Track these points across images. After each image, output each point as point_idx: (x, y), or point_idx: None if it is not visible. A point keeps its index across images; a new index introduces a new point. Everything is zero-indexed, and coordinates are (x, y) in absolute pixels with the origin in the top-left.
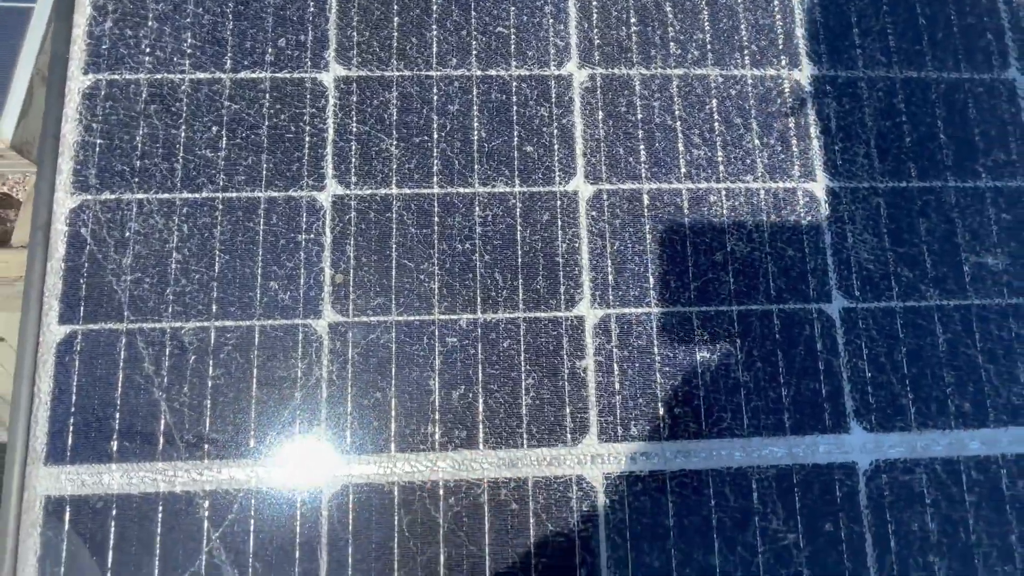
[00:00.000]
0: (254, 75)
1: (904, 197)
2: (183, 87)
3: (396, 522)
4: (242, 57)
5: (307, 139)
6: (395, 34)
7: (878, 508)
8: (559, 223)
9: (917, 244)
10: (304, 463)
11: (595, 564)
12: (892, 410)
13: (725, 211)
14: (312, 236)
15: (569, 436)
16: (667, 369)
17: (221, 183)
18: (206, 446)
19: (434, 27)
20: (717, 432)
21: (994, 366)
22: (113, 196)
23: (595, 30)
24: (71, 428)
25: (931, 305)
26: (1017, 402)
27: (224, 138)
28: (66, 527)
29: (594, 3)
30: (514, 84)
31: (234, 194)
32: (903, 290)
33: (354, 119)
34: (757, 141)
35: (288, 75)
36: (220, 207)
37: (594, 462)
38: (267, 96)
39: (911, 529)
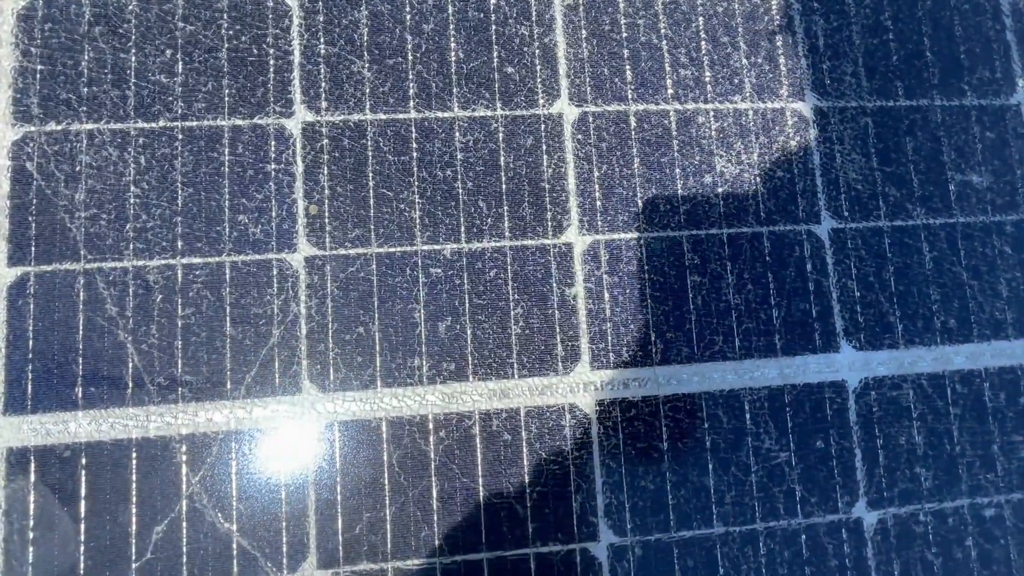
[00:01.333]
0: None
1: (892, 116)
2: (130, 7)
3: (385, 458)
4: None
5: (271, 62)
6: None
7: (867, 424)
8: (544, 147)
9: (904, 163)
10: (285, 402)
11: (590, 489)
12: (880, 328)
13: (713, 132)
14: (282, 166)
15: (560, 365)
16: (658, 294)
17: (179, 111)
18: (180, 389)
19: None
20: (709, 355)
21: (978, 282)
22: (60, 127)
23: None
24: (30, 375)
25: (918, 224)
26: (999, 316)
27: (180, 62)
28: (32, 479)
29: None
30: (492, 1)
31: (194, 123)
32: (890, 209)
33: (322, 40)
34: (745, 60)
35: None
36: (180, 137)
37: (586, 389)
38: (225, 16)
39: (898, 443)
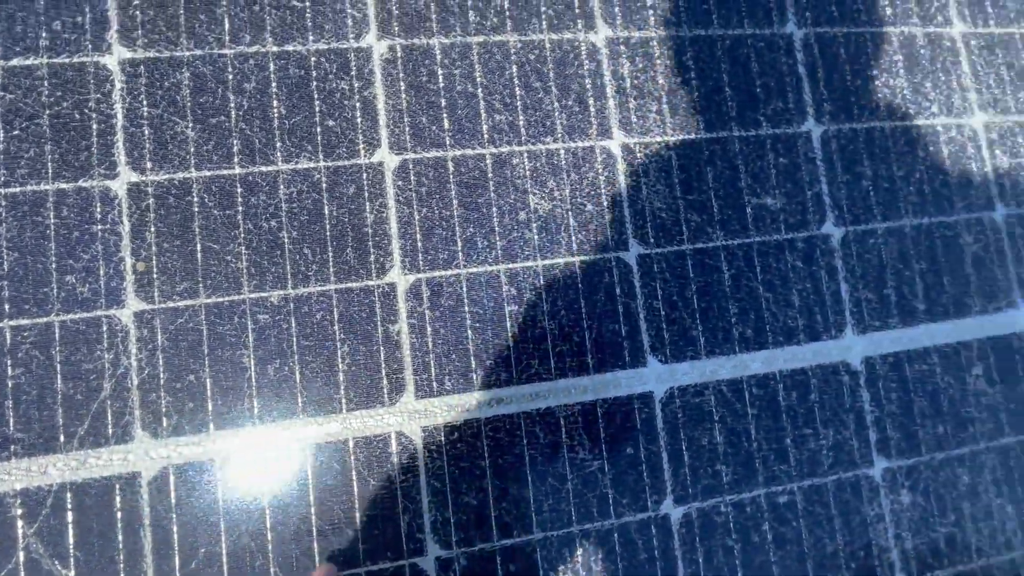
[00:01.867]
0: (28, 62)
1: (693, 148)
2: None
3: (220, 495)
4: (13, 43)
5: (94, 126)
6: (182, 12)
7: (672, 429)
8: (366, 194)
9: (705, 191)
10: (119, 451)
11: (417, 509)
12: (684, 342)
13: (527, 172)
14: (108, 226)
15: (387, 397)
16: (477, 325)
17: (1, 178)
18: (12, 446)
19: (224, 3)
20: (526, 378)
21: (772, 294)
22: None
23: (393, 1)
24: None
25: (718, 245)
26: (792, 324)
27: (0, 131)
28: None
29: None
30: (312, 59)
31: (17, 189)
32: (692, 234)
33: (144, 103)
34: (556, 103)
35: (67, 60)
36: (3, 203)
37: (412, 418)
38: (45, 83)
39: (701, 444)
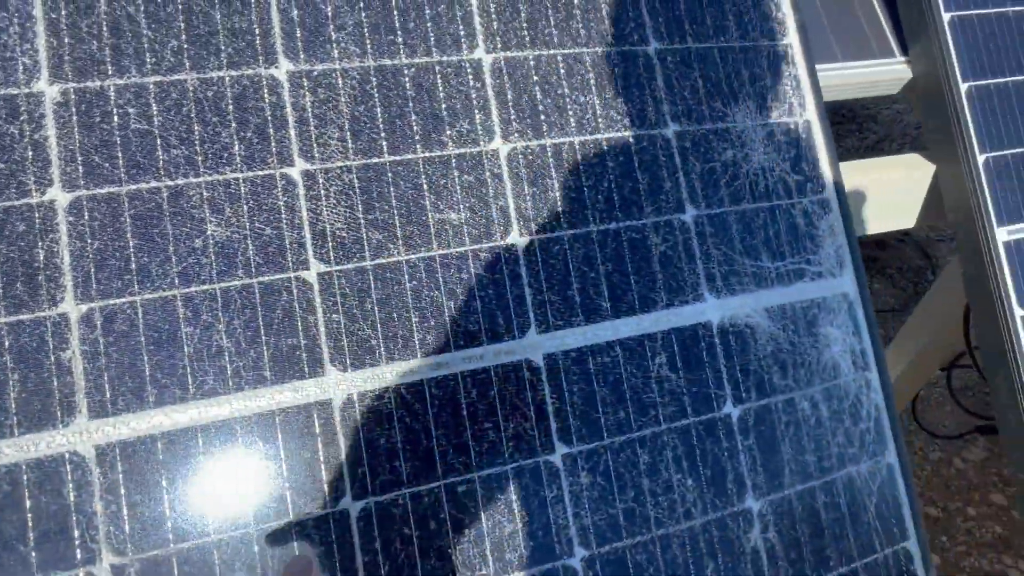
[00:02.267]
0: None
1: (376, 171)
2: None
3: None
4: None
5: None
6: None
7: (352, 433)
8: (37, 231)
9: (387, 210)
10: None
11: (91, 522)
12: (363, 351)
13: (204, 202)
14: None
15: (60, 419)
16: (152, 347)
17: None
18: None
19: None
20: (202, 394)
21: (454, 302)
22: None
23: (65, 47)
24: None
25: (400, 260)
26: (473, 328)
27: None
28: None
29: (63, 20)
30: None
31: None
32: (374, 251)
33: None
34: (235, 136)
35: None
36: None
37: (84, 437)
38: None
39: (379, 443)
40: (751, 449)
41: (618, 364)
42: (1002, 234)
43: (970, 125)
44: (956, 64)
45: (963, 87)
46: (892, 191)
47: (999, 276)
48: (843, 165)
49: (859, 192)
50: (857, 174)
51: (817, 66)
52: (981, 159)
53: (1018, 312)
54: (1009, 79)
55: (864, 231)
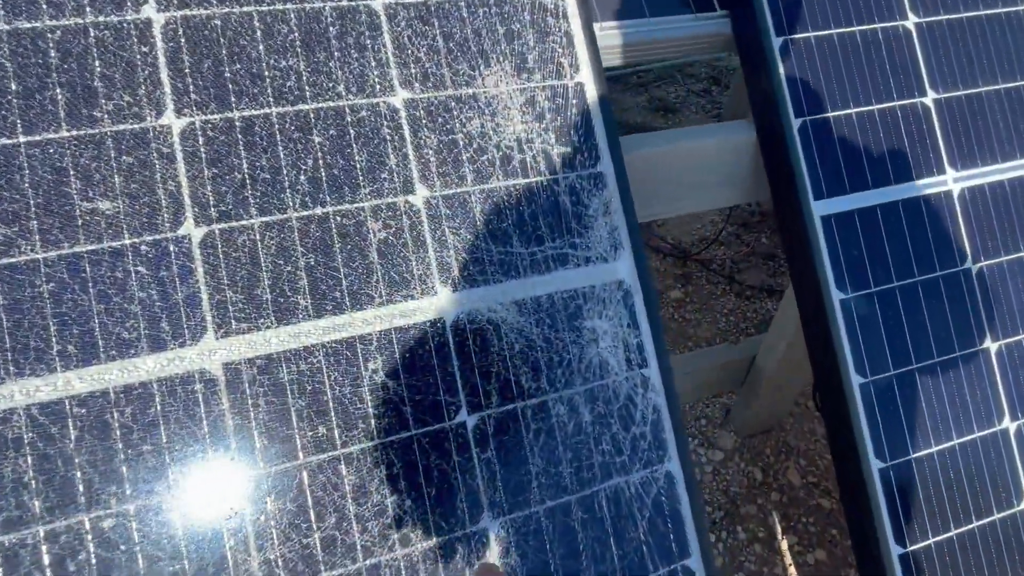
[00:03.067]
0: None
1: (6, 154)
2: None
3: None
4: None
5: None
6: None
7: None
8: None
9: (19, 200)
10: None
11: None
12: None
13: None
14: None
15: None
16: None
17: None
18: None
19: None
20: None
21: (106, 305)
22: None
23: None
24: None
25: (37, 259)
26: (130, 335)
27: None
28: None
29: None
30: None
31: None
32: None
33: None
34: None
35: None
36: None
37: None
38: None
39: (4, 472)
40: (490, 462)
41: (319, 372)
42: (820, 208)
43: (784, 87)
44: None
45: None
46: (709, 164)
47: (817, 258)
48: (647, 136)
49: (668, 165)
50: (664, 144)
51: (619, 23)
52: (797, 123)
53: (836, 296)
54: (832, 31)
55: (676, 209)
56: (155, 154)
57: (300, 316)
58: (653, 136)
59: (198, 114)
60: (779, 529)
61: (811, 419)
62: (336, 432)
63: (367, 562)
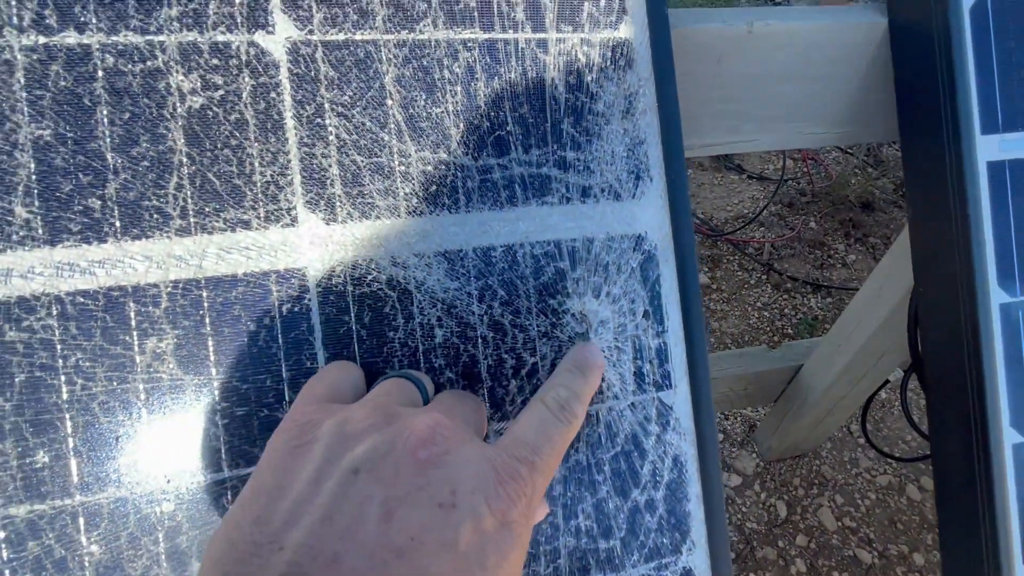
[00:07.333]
0: None
1: None
2: None
3: None
4: None
5: None
6: None
7: None
8: None
9: None
10: None
11: None
12: None
13: None
14: None
15: None
16: None
17: None
18: None
19: None
20: None
21: None
22: None
23: None
24: None
25: None
26: None
27: None
28: None
29: None
30: None
31: None
32: None
33: None
34: None
35: None
36: None
37: None
38: None
39: None
40: None
41: (49, 346)
42: (986, 148)
43: None
44: None
45: None
46: (811, 61)
47: (975, 233)
48: (708, 11)
49: (734, 58)
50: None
51: None
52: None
53: (996, 298)
54: None
55: (754, 143)
56: None
57: (13, 237)
58: (717, 10)
59: None
60: None
61: (853, 447)
62: (71, 467)
63: None
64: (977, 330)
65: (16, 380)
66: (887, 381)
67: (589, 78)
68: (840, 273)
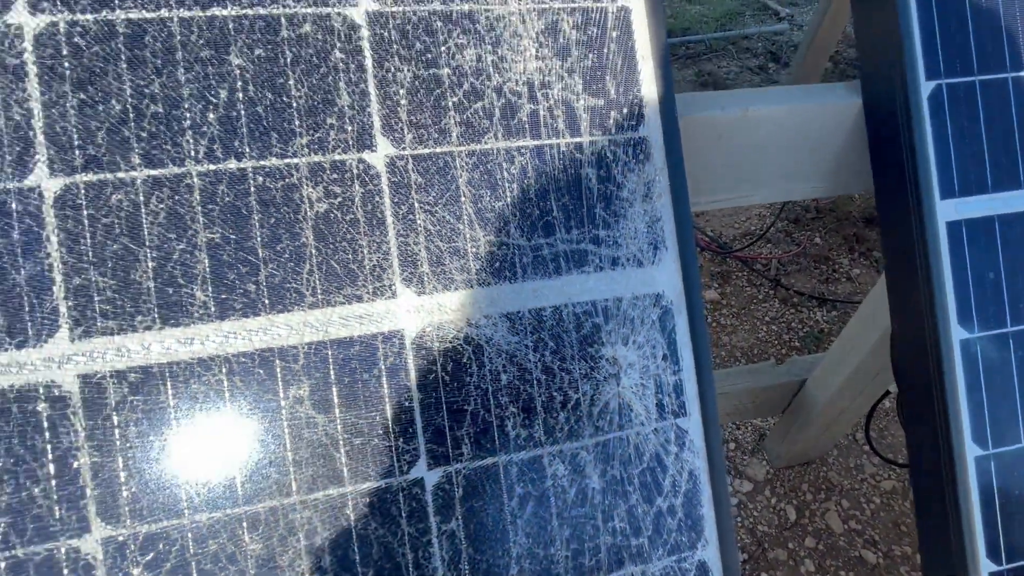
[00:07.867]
0: None
1: None
2: None
3: None
4: None
5: None
6: None
7: None
8: None
9: None
10: None
11: None
12: None
13: None
14: None
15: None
16: None
17: None
18: None
19: None
20: None
21: None
22: None
23: None
24: None
25: None
26: None
27: None
28: None
29: None
30: None
31: None
32: None
33: None
34: None
35: None
36: None
37: None
38: None
39: None
40: (454, 537)
41: (218, 396)
42: (946, 210)
43: (916, 33)
44: None
45: None
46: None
47: (936, 278)
48: (710, 95)
49: (735, 136)
50: (732, 107)
51: None
52: (929, 87)
53: (956, 334)
54: None
55: (739, 199)
56: None
57: (195, 315)
58: (717, 96)
59: (62, 12)
60: None
61: (859, 454)
62: (237, 483)
63: None
64: (941, 361)
65: (197, 418)
66: (888, 392)
67: (616, 171)
68: (845, 287)
